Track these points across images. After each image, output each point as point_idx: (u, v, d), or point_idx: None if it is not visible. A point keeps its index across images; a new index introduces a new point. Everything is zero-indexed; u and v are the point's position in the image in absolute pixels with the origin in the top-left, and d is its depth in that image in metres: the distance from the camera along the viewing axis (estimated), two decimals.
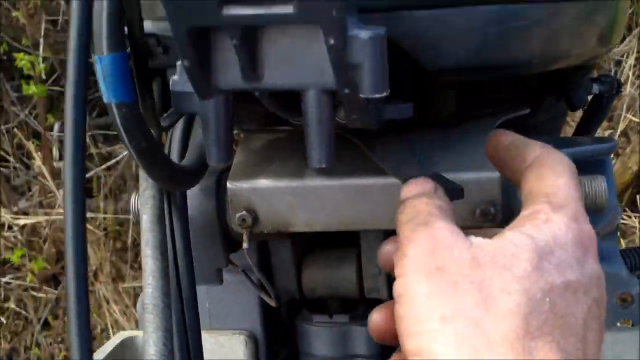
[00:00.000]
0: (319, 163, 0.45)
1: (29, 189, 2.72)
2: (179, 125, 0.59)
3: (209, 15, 0.40)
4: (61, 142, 2.63)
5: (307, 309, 0.73)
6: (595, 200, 0.59)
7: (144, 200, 0.55)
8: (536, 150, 0.46)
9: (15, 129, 2.66)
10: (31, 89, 2.25)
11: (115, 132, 0.51)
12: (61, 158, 2.66)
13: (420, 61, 0.52)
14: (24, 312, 2.48)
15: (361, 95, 0.42)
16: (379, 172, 0.57)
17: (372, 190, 0.58)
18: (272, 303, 0.69)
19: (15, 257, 2.27)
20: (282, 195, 0.59)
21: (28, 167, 2.71)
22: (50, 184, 2.51)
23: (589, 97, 0.77)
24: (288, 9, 0.39)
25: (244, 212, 0.59)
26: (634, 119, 2.37)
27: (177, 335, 0.55)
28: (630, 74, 2.42)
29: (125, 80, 0.45)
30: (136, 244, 2.55)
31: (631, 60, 2.44)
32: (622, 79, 2.40)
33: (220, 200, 0.62)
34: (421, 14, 0.51)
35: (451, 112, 0.62)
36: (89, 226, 2.44)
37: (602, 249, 0.63)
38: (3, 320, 2.45)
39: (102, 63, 0.44)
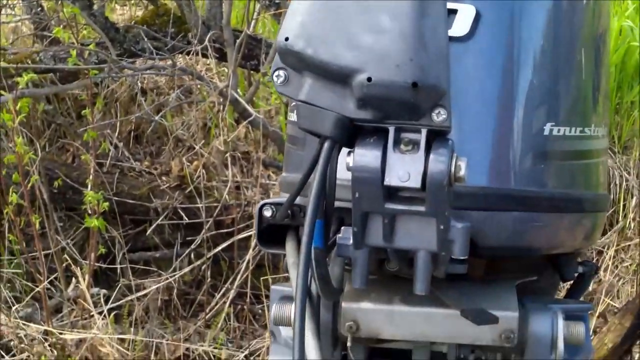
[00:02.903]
0: (420, 291, 0.79)
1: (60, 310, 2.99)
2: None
3: (377, 206, 0.75)
4: (95, 271, 2.93)
5: None
6: (576, 338, 0.93)
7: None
8: None
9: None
10: (93, 222, 2.56)
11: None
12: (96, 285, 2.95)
13: (475, 241, 0.87)
14: None
15: (453, 257, 0.76)
16: (441, 304, 0.90)
17: (436, 316, 0.91)
18: None
19: None
20: (376, 314, 0.92)
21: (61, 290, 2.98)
22: (91, 306, 2.76)
23: (576, 274, 1.11)
24: (422, 208, 0.74)
25: (351, 322, 0.92)
26: (611, 302, 2.73)
27: None
28: (610, 263, 2.80)
29: (320, 235, 0.79)
30: None
31: (611, 252, 2.82)
32: (603, 267, 2.77)
33: (335, 314, 0.95)
34: (479, 213, 0.87)
35: (482, 273, 0.97)
36: (119, 347, 2.71)
37: None
38: None
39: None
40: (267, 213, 0.95)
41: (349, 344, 0.93)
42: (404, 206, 0.74)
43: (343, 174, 0.76)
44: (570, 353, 0.92)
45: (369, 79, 0.70)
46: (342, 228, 0.82)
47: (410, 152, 0.73)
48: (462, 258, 0.78)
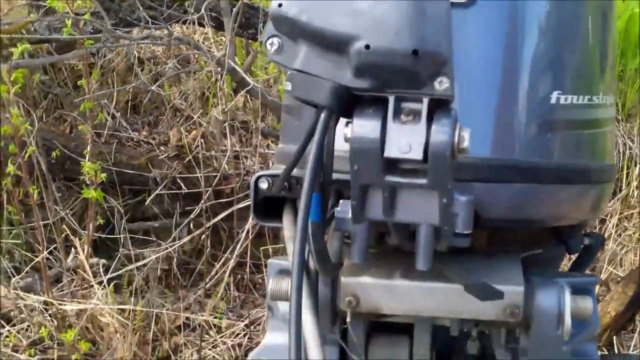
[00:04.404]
0: (423, 267, 0.76)
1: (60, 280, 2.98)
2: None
3: (377, 178, 0.72)
4: (94, 241, 2.91)
5: None
6: (584, 312, 0.90)
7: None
8: None
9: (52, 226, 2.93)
10: (91, 193, 2.54)
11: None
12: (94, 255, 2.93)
13: (478, 213, 0.84)
14: None
15: (456, 231, 0.73)
16: (443, 279, 0.88)
17: (438, 290, 0.88)
18: None
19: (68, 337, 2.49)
20: (376, 289, 0.89)
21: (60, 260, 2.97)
22: (90, 276, 2.76)
23: (581, 246, 1.08)
24: (423, 181, 0.71)
25: (350, 297, 0.89)
26: (614, 271, 2.71)
27: None
28: (613, 231, 2.78)
29: (317, 209, 0.76)
30: (154, 339, 2.80)
31: (614, 220, 2.81)
32: (606, 236, 2.75)
33: (334, 289, 0.93)
34: (482, 185, 0.84)
35: (484, 246, 0.95)
36: (119, 317, 2.70)
37: (585, 351, 0.95)
38: None
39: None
40: (263, 185, 0.92)
41: (348, 319, 0.90)
42: (404, 179, 0.71)
43: (341, 145, 0.73)
44: (576, 327, 0.90)
45: (367, 47, 0.67)
46: (341, 201, 0.79)
47: (411, 123, 0.70)
48: (465, 232, 0.75)
